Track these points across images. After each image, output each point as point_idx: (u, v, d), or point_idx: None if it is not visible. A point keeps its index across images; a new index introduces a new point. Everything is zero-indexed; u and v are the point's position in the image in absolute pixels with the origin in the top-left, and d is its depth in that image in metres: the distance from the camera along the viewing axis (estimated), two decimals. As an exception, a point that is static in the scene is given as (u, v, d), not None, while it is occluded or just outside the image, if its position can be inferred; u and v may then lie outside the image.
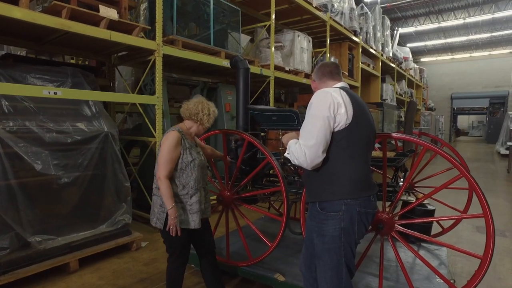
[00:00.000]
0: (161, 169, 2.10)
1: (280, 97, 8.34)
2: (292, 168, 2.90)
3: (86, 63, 5.93)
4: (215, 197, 2.86)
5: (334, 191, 1.66)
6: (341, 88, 1.74)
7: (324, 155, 1.62)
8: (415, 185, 3.26)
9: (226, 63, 4.80)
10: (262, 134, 3.31)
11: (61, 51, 4.23)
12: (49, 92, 2.95)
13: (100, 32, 3.33)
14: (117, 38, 3.48)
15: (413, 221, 2.22)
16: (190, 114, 2.29)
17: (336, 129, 1.63)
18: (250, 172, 2.90)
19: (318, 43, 9.29)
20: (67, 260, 2.90)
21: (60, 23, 2.98)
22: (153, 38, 3.94)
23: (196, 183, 2.23)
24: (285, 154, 1.77)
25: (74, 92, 3.17)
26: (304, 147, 1.61)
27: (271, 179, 3.28)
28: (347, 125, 1.63)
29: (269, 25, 6.05)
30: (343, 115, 1.62)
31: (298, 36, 7.21)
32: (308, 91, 7.89)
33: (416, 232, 2.07)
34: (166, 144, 2.13)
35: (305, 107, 1.76)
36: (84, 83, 3.62)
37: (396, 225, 2.05)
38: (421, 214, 2.40)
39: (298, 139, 1.77)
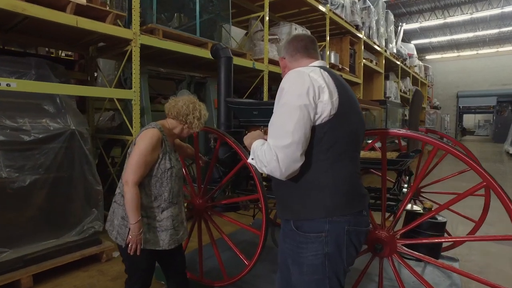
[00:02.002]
0: (131, 173, 1.71)
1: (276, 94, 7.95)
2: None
3: (67, 56, 5.59)
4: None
5: (314, 206, 1.26)
6: (320, 67, 1.34)
7: (303, 159, 1.21)
8: (421, 190, 2.86)
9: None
10: (246, 131, 2.92)
11: (30, 41, 3.86)
12: (0, 84, 2.58)
13: (64, 18, 2.96)
14: (84, 24, 3.11)
15: (422, 240, 1.79)
16: (178, 114, 1.90)
17: (317, 123, 1.23)
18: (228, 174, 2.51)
19: (317, 37, 8.88)
20: (18, 277, 2.54)
21: (12, 4, 2.61)
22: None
23: (171, 196, 1.86)
24: (249, 160, 1.35)
25: (32, 84, 2.80)
26: (275, 149, 1.19)
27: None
28: (331, 117, 1.23)
29: (263, 15, 5.65)
30: (327, 103, 1.22)
31: (296, 28, 6.81)
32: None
33: (423, 255, 1.65)
34: (142, 144, 1.74)
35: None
36: (51, 75, 3.26)
37: (399, 245, 1.64)
38: (430, 228, 1.98)
39: (265, 139, 1.39)
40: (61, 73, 3.50)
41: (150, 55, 4.48)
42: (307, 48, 1.44)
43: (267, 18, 5.65)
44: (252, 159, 1.32)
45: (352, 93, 1.36)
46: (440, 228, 1.97)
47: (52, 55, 5.09)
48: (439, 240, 2.07)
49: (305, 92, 1.20)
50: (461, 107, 26.36)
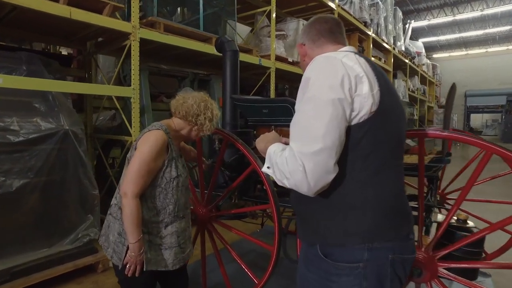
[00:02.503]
0: (131, 183, 1.46)
1: (284, 92, 7.70)
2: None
3: (69, 53, 5.37)
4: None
5: (350, 229, 1.01)
6: (354, 52, 1.08)
7: (337, 169, 0.95)
8: (447, 196, 2.59)
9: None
10: (254, 132, 2.67)
11: (23, 35, 3.65)
12: (-16, 80, 2.36)
13: (57, 8, 2.73)
14: (79, 16, 2.87)
15: (468, 265, 1.51)
16: (187, 114, 1.65)
17: (353, 122, 0.97)
18: (235, 180, 2.26)
19: (325, 35, 8.60)
20: (3, 292, 2.31)
21: (-4, -8, 2.38)
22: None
23: (176, 209, 1.61)
24: (264, 170, 1.10)
25: (21, 80, 2.57)
26: (301, 157, 0.93)
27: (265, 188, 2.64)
28: (371, 115, 0.98)
29: (269, 10, 5.39)
30: (367, 96, 0.96)
31: (303, 24, 6.54)
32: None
33: (465, 279, 1.38)
34: (144, 149, 1.49)
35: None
36: (44, 71, 3.03)
37: (440, 269, 1.38)
38: (468, 244, 1.70)
39: (283, 143, 1.14)
40: (55, 69, 3.28)
41: (150, 51, 4.25)
42: (332, 32, 1.19)
43: (274, 12, 5.39)
44: (268, 167, 1.06)
45: (392, 84, 1.10)
46: (479, 244, 1.71)
47: (49, 51, 4.88)
48: (493, 265, 1.74)
49: (338, 83, 0.93)
50: (468, 106, 25.88)
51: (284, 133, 2.01)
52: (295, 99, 1.07)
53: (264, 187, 2.68)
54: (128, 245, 1.48)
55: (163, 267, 1.57)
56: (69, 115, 2.99)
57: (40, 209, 2.69)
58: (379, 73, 1.02)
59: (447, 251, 1.43)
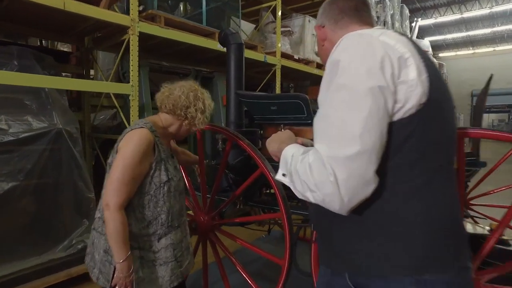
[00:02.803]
0: (113, 193, 1.26)
1: (288, 91, 7.49)
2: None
3: (66, 49, 5.20)
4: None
5: (392, 256, 0.78)
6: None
7: (377, 179, 0.75)
8: (471, 202, 2.37)
9: (221, 46, 3.97)
10: (261, 131, 2.47)
11: (17, 30, 3.47)
12: (-31, 74, 2.18)
13: (49, -1, 2.54)
14: (73, 7, 2.69)
15: None
16: (174, 107, 1.45)
17: (396, 117, 0.76)
18: (241, 183, 2.07)
19: (331, 32, 8.40)
20: (-13, 305, 2.13)
21: (-17, -20, 2.20)
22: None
23: (170, 218, 1.41)
24: (278, 177, 0.89)
25: (10, 76, 2.39)
26: (332, 163, 0.72)
27: (272, 192, 2.44)
28: (420, 107, 0.76)
29: (275, 5, 5.20)
30: (415, 84, 0.75)
31: (309, 21, 6.34)
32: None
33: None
34: (127, 152, 1.30)
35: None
36: (37, 67, 2.85)
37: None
38: (507, 258, 1.46)
39: (301, 144, 0.94)
40: (49, 65, 3.10)
41: (151, 47, 4.06)
42: (358, 10, 0.98)
43: (280, 6, 5.19)
44: (284, 175, 0.86)
45: (439, 71, 0.89)
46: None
47: (46, 47, 4.70)
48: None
49: (377, 66, 0.73)
50: (475, 106, 25.51)
51: (295, 133, 1.80)
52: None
53: (272, 191, 2.48)
54: (115, 266, 1.28)
55: (159, 286, 1.38)
56: (63, 114, 2.80)
57: (31, 214, 2.51)
58: (425, 56, 0.82)
59: (495, 273, 1.22)
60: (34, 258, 2.49)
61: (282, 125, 1.91)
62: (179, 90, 1.46)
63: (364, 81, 0.72)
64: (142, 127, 1.37)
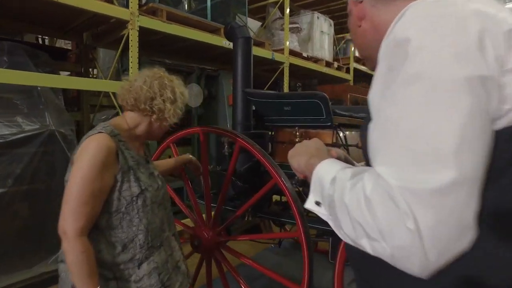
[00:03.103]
0: (70, 217, 1.04)
1: (296, 90, 7.26)
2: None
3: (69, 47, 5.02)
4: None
5: None
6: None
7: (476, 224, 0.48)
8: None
9: (227, 43, 3.76)
10: (271, 133, 2.25)
11: (11, 25, 3.28)
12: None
13: (41, -11, 2.35)
14: (69, 0, 2.49)
15: None
16: (137, 101, 1.21)
17: (500, 124, 0.49)
18: (249, 192, 1.85)
19: (338, 29, 8.13)
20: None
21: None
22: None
23: (149, 237, 1.18)
24: (309, 207, 0.66)
25: (-3, 72, 2.19)
26: (408, 198, 0.47)
27: (284, 200, 2.22)
28: None
29: (282, 1, 4.97)
30: None
31: (318, 17, 6.13)
32: (331, 82, 6.78)
33: None
34: (83, 164, 1.07)
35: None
36: (29, 64, 2.66)
37: None
38: None
39: (332, 155, 0.72)
40: (44, 62, 2.91)
41: (153, 43, 3.86)
42: None
43: (288, 3, 4.97)
44: (318, 203, 0.63)
45: None
46: None
47: (43, 44, 4.52)
48: None
49: (474, 45, 0.48)
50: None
51: (311, 138, 1.57)
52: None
53: (284, 199, 2.26)
54: None
55: None
56: (57, 114, 2.61)
57: (21, 222, 2.32)
58: None
59: None
60: (24, 272, 2.29)
61: (296, 128, 1.69)
62: (140, 80, 1.22)
63: (453, 69, 0.47)
64: (100, 132, 1.13)
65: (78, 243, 1.02)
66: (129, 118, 1.26)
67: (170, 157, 1.92)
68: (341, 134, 1.71)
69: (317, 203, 0.64)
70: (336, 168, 0.62)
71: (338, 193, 0.57)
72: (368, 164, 0.65)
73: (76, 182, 1.05)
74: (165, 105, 1.22)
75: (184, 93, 1.31)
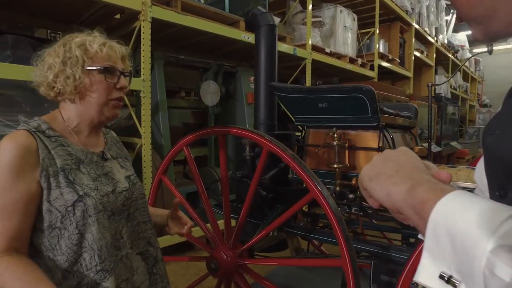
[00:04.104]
0: None
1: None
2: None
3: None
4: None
5: None
6: None
7: None
8: None
9: (246, 36, 3.49)
10: (298, 134, 1.96)
11: (19, 19, 3.13)
12: None
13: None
14: (74, -13, 2.28)
15: None
16: (49, 84, 0.95)
17: None
18: (272, 202, 1.57)
19: (361, 25, 7.76)
20: None
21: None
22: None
23: (97, 258, 0.91)
24: (423, 281, 0.36)
25: (-4, 67, 1.99)
26: None
27: (314, 213, 1.92)
28: None
29: (305, -7, 4.67)
30: None
31: (341, 11, 5.79)
32: (352, 80, 6.42)
33: None
34: None
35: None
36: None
37: None
38: None
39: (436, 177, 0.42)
40: (51, 56, 2.71)
41: (167, 38, 3.64)
42: None
43: (311, -6, 4.66)
44: (448, 280, 0.35)
45: None
46: None
47: (51, 39, 4.38)
48: None
49: None
50: (512, 105, 23.82)
51: (351, 140, 1.28)
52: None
53: (306, 213, 1.97)
54: None
55: None
56: (63, 112, 2.40)
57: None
58: None
59: None
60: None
61: (334, 129, 1.39)
62: (47, 54, 0.97)
63: None
64: (19, 129, 0.90)
65: (4, 262, 0.81)
66: (62, 109, 1.01)
67: (185, 158, 1.68)
68: (387, 137, 1.41)
69: (445, 279, 0.35)
70: (496, 217, 0.32)
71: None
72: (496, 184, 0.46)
73: None
74: (77, 67, 0.93)
75: (114, 46, 1.01)
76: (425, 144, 2.77)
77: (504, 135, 0.44)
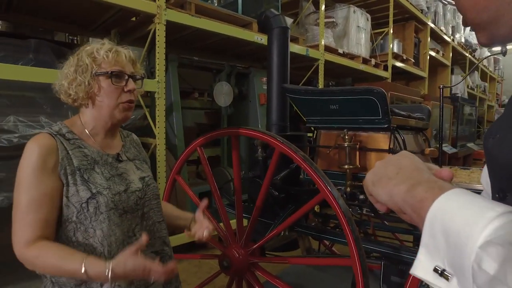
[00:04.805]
0: (18, 229, 0.91)
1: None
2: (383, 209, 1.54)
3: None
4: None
5: None
6: None
7: None
8: None
9: (259, 38, 3.52)
10: (310, 135, 1.98)
11: (38, 23, 3.25)
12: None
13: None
14: (92, -8, 2.36)
15: None
16: (65, 94, 1.04)
17: None
18: (283, 202, 1.59)
19: (377, 24, 7.68)
20: None
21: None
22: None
23: (107, 252, 0.97)
24: (419, 274, 0.39)
25: (17, 70, 2.08)
26: None
27: (325, 213, 1.94)
28: None
29: (318, -7, 4.67)
30: None
31: (354, 11, 5.76)
32: (366, 81, 6.37)
33: None
34: (21, 168, 0.94)
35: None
36: (55, 62, 2.55)
37: None
38: None
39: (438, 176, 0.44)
40: (70, 59, 2.80)
41: (181, 40, 3.70)
42: None
43: (324, -5, 4.66)
44: (441, 272, 0.37)
45: None
46: None
47: (70, 43, 4.51)
48: None
49: None
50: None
51: (362, 142, 1.29)
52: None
53: (317, 213, 1.99)
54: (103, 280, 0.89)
55: None
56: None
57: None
58: None
59: None
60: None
61: (345, 130, 1.41)
62: (63, 67, 1.07)
63: None
64: (42, 132, 0.99)
65: (33, 250, 0.90)
66: (82, 115, 1.08)
67: (198, 158, 1.71)
68: (398, 139, 1.41)
69: (439, 272, 0.37)
70: (487, 214, 0.34)
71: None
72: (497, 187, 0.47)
73: (16, 190, 0.93)
74: (86, 72, 1.01)
75: (120, 51, 1.06)
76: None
77: (504, 139, 0.46)
